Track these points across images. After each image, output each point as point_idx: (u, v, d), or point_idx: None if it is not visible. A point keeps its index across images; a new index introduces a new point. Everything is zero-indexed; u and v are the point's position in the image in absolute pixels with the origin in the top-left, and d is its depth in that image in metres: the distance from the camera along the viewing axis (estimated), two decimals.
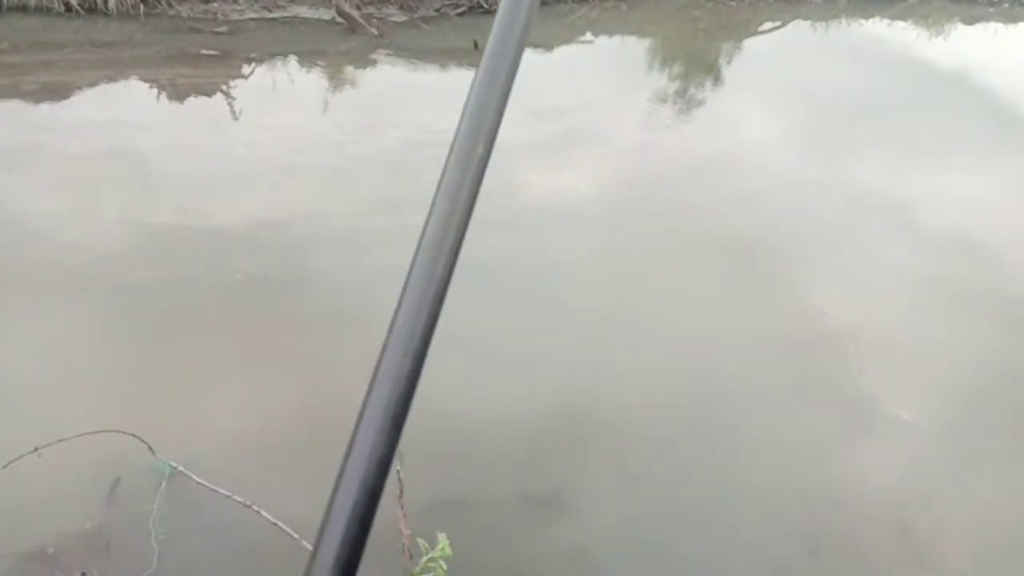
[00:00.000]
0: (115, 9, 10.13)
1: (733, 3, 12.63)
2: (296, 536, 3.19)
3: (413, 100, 9.05)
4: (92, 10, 10.11)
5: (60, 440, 3.54)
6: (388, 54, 10.12)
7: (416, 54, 10.15)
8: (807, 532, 4.34)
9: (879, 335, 5.83)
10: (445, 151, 0.68)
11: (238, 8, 10.75)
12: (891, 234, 7.01)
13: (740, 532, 4.27)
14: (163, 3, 10.42)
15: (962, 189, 7.83)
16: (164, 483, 3.93)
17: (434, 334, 0.65)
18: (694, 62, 11.07)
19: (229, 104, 8.62)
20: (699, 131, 9.15)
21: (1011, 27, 13.14)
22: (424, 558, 2.43)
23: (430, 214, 0.66)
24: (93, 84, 8.86)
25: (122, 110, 8.34)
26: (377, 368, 0.65)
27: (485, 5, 11.20)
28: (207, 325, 5.40)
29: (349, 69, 9.86)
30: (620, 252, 6.52)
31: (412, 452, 3.22)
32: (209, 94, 8.84)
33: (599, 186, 7.47)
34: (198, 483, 3.68)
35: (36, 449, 3.52)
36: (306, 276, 5.87)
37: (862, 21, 12.74)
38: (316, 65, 9.73)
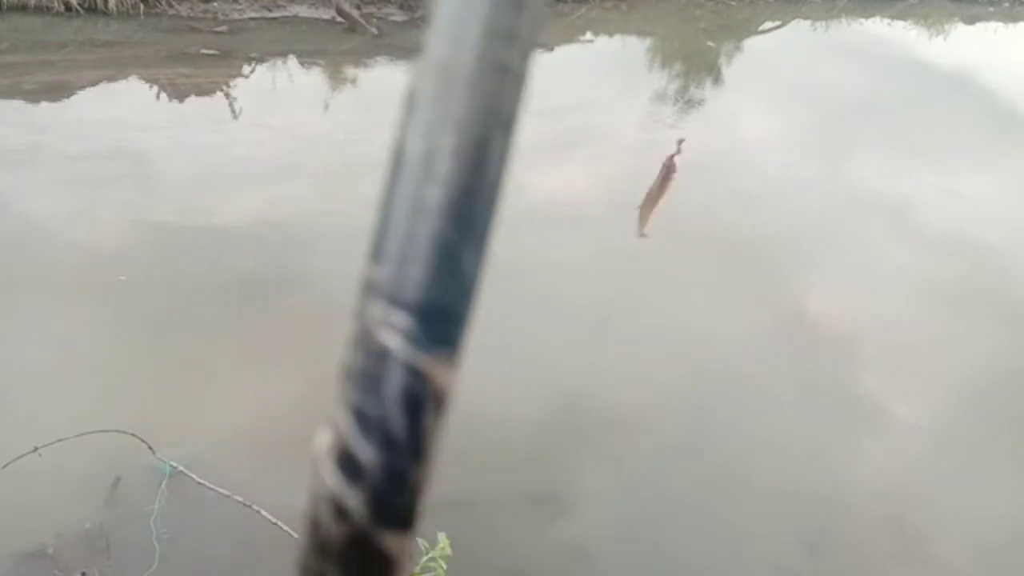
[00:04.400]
0: (115, 8, 10.11)
1: (733, 3, 12.62)
2: (296, 536, 3.19)
3: None
4: (92, 9, 10.10)
5: (60, 440, 3.54)
6: (388, 54, 10.12)
7: (416, 54, 10.12)
8: (808, 532, 4.34)
9: (881, 334, 5.83)
10: None
11: (238, 7, 10.74)
12: (892, 234, 7.01)
13: (741, 532, 4.27)
14: (163, 2, 10.41)
15: (963, 188, 7.82)
16: (164, 483, 3.93)
17: None
18: (694, 62, 11.07)
19: (229, 103, 8.62)
20: (699, 130, 9.14)
21: (1011, 27, 13.13)
22: (424, 558, 2.43)
23: None
24: (93, 84, 8.85)
25: (122, 110, 8.34)
26: None
27: None
28: (208, 322, 5.39)
29: (349, 68, 9.86)
30: (621, 251, 6.51)
31: None
32: (209, 94, 8.83)
33: (599, 186, 7.47)
34: (198, 483, 3.68)
35: (36, 448, 3.52)
36: (307, 274, 5.87)
37: (862, 21, 12.74)
38: (316, 64, 9.72)
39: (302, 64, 9.67)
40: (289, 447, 4.54)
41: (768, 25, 12.44)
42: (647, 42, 11.54)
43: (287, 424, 4.67)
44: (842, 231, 7.06)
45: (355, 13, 10.59)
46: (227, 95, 8.78)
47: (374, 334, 0.35)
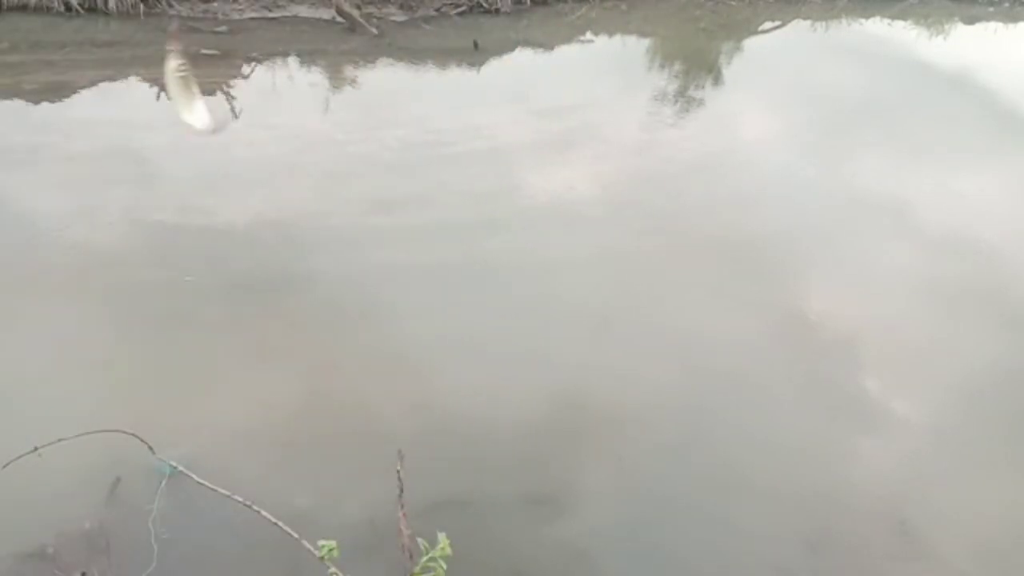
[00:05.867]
0: (115, 9, 10.11)
1: (733, 3, 12.62)
2: (296, 535, 3.19)
3: (413, 100, 9.04)
4: (92, 10, 10.09)
5: (60, 440, 3.53)
6: (388, 54, 10.11)
7: (416, 54, 10.14)
8: (808, 532, 4.34)
9: (881, 334, 5.83)
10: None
11: (238, 7, 10.74)
12: (892, 233, 7.00)
13: (741, 532, 4.27)
14: (163, 3, 10.40)
15: (963, 188, 7.82)
16: (164, 483, 3.92)
17: None
18: (694, 62, 11.06)
19: (229, 103, 8.62)
20: (699, 130, 9.14)
21: (1011, 27, 13.12)
22: (424, 557, 2.43)
23: None
24: (93, 84, 8.85)
25: (123, 110, 8.33)
26: None
27: (485, 5, 11.18)
28: (208, 322, 5.39)
29: (349, 69, 9.86)
30: (621, 251, 6.51)
31: (413, 450, 3.22)
32: (209, 94, 8.83)
33: (600, 186, 7.47)
34: (198, 483, 3.68)
35: (36, 448, 3.51)
36: (306, 274, 5.86)
37: (862, 21, 12.73)
38: (316, 65, 9.72)
39: (302, 64, 9.67)
40: (289, 447, 4.54)
41: (768, 25, 12.43)
42: (647, 42, 11.53)
43: (287, 424, 4.67)
44: (842, 231, 7.05)
45: (355, 13, 10.58)
46: (227, 95, 8.78)
47: None
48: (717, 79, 10.56)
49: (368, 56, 10.06)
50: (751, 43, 11.94)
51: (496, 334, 5.50)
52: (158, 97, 8.61)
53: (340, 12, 10.61)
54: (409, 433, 4.50)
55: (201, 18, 10.42)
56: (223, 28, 10.26)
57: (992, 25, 13.17)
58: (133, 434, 3.77)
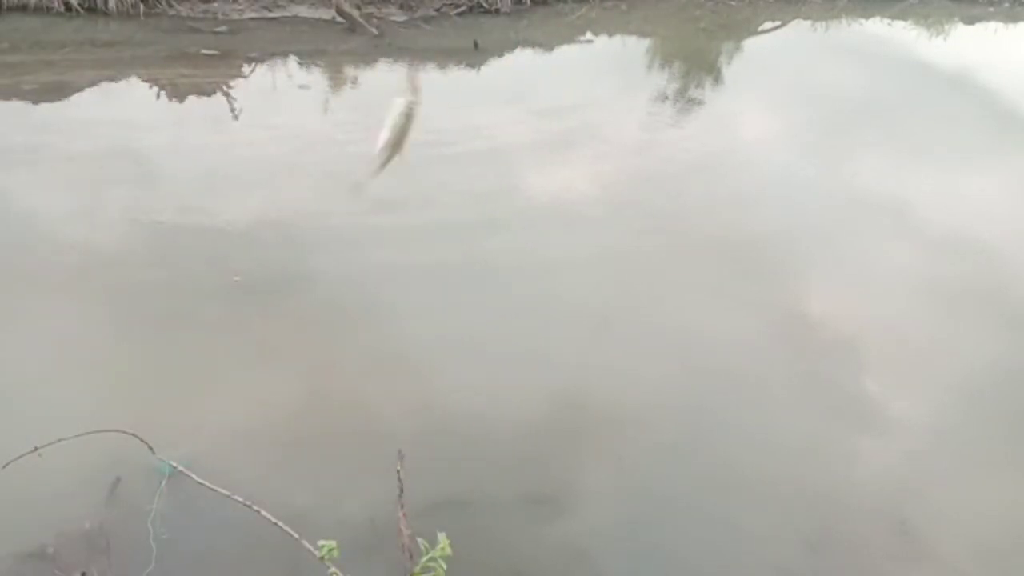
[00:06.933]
0: (115, 9, 10.12)
1: (733, 3, 12.62)
2: (296, 535, 3.19)
3: None
4: (92, 10, 10.10)
5: (60, 440, 3.53)
6: (388, 54, 10.11)
7: (416, 54, 10.14)
8: (808, 531, 4.34)
9: (880, 334, 5.83)
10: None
11: (238, 8, 10.74)
12: (892, 234, 7.00)
13: (741, 532, 4.27)
14: (163, 3, 10.41)
15: (963, 188, 7.82)
16: (164, 483, 3.92)
17: None
18: (694, 62, 11.06)
19: (229, 103, 8.62)
20: (699, 130, 9.14)
21: (1011, 27, 13.13)
22: (424, 557, 2.43)
23: None
24: (94, 84, 8.85)
25: (123, 110, 8.33)
26: None
27: (485, 5, 11.18)
28: (208, 322, 5.39)
29: (349, 69, 9.86)
30: (621, 251, 6.51)
31: (413, 450, 3.22)
32: (209, 93, 8.83)
33: (600, 186, 7.47)
34: (198, 483, 3.67)
35: (36, 448, 3.51)
36: (306, 275, 5.86)
37: (862, 21, 12.73)
38: (316, 65, 9.72)
39: (302, 64, 9.67)
40: (289, 447, 4.54)
41: (768, 25, 12.44)
42: (647, 42, 11.53)
43: (287, 424, 4.67)
44: (842, 231, 7.05)
45: (355, 13, 10.58)
46: (227, 95, 8.78)
47: None
48: (717, 79, 10.56)
49: (368, 56, 10.06)
50: (751, 43, 11.95)
51: (496, 334, 5.50)
52: (158, 97, 8.62)
53: (340, 12, 10.61)
54: (409, 433, 4.50)
55: (201, 18, 10.43)
56: (223, 28, 10.26)
57: (992, 25, 13.18)
58: (133, 434, 3.77)
